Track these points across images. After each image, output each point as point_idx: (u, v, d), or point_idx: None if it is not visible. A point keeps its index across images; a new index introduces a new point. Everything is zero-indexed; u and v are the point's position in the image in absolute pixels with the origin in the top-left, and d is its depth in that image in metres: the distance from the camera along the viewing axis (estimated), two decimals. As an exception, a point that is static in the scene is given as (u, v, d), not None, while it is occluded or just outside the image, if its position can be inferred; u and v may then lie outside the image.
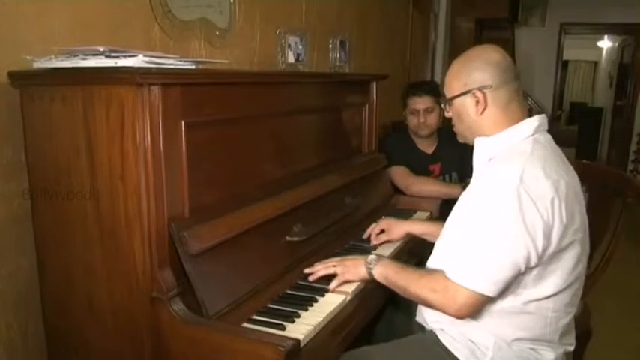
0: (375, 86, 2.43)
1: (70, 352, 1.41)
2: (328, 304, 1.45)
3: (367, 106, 2.41)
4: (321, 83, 2.01)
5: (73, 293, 1.37)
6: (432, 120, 2.69)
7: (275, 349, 1.12)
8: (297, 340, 1.19)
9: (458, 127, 1.53)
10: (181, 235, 1.27)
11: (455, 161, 2.71)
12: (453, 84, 1.47)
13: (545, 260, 1.29)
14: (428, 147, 2.78)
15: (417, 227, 1.89)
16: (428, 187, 2.54)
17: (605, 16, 6.87)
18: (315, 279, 1.58)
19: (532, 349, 1.36)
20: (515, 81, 1.42)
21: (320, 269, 1.59)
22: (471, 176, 1.48)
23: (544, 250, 1.27)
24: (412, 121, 2.73)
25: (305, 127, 1.93)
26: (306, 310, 1.41)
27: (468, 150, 1.54)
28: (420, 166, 2.69)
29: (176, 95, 1.27)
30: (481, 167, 1.44)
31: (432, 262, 1.49)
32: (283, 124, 1.76)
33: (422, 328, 1.52)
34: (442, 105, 1.55)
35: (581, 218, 1.34)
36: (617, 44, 9.25)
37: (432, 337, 1.44)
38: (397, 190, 2.57)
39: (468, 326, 1.38)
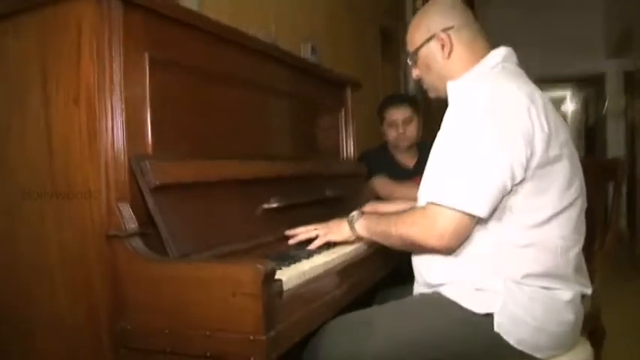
0: (349, 93, 2.36)
1: (16, 322, 1.20)
2: (312, 263, 1.29)
3: (343, 111, 2.33)
4: (296, 68, 1.91)
5: (16, 249, 1.18)
6: (412, 131, 2.62)
7: (253, 268, 0.96)
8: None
9: (427, 80, 1.46)
10: (142, 165, 1.12)
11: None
12: (415, 36, 1.43)
13: (532, 174, 1.19)
14: (409, 160, 2.68)
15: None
16: (411, 194, 2.41)
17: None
18: (295, 242, 1.44)
19: (545, 288, 1.21)
20: (476, 23, 1.41)
21: (302, 232, 1.46)
22: None
23: (528, 160, 1.17)
24: (391, 133, 2.65)
25: (280, 110, 1.81)
26: (288, 266, 1.24)
27: None
28: (401, 180, 2.58)
29: (139, 20, 1.17)
30: None
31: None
32: (257, 97, 1.65)
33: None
34: (408, 62, 1.49)
35: (565, 136, 1.26)
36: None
37: (436, 295, 1.28)
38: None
39: (473, 274, 1.23)
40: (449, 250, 1.22)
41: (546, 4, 6.45)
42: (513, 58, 1.37)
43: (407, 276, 1.47)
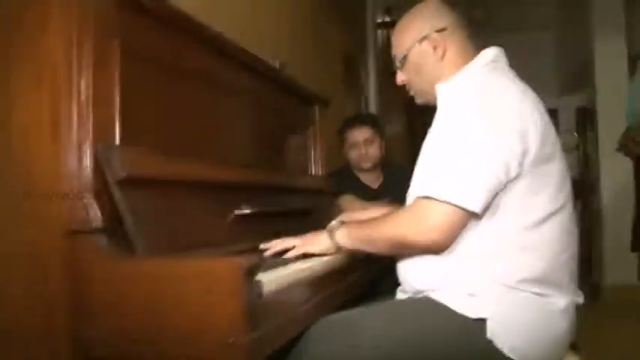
0: (317, 113, 2.31)
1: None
2: (291, 269, 1.20)
3: (312, 130, 2.28)
4: (269, 79, 1.85)
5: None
6: (374, 151, 2.59)
7: (231, 262, 0.87)
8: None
9: (416, 84, 1.41)
10: (110, 155, 1.02)
11: (404, 194, 2.56)
12: (405, 37, 1.39)
13: (527, 171, 1.15)
14: (373, 181, 2.65)
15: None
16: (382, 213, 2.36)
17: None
18: (271, 254, 1.33)
19: (540, 294, 1.15)
20: (467, 28, 1.39)
21: (277, 243, 1.35)
22: None
23: (523, 155, 1.14)
24: (353, 154, 2.61)
25: (252, 120, 1.74)
26: (265, 271, 1.15)
27: None
28: (367, 201, 2.53)
29: (111, 5, 1.09)
30: None
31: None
32: (229, 103, 1.58)
33: None
34: (396, 66, 1.44)
35: (555, 136, 1.24)
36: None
37: (425, 299, 1.21)
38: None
39: (465, 278, 1.17)
40: (440, 248, 1.16)
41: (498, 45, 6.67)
42: (504, 58, 1.34)
43: (389, 288, 1.40)
